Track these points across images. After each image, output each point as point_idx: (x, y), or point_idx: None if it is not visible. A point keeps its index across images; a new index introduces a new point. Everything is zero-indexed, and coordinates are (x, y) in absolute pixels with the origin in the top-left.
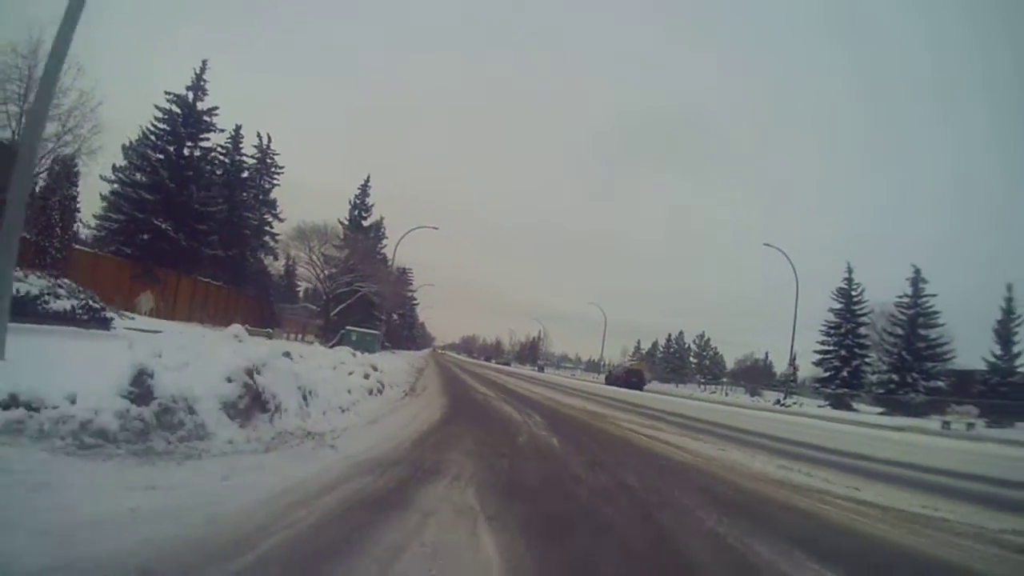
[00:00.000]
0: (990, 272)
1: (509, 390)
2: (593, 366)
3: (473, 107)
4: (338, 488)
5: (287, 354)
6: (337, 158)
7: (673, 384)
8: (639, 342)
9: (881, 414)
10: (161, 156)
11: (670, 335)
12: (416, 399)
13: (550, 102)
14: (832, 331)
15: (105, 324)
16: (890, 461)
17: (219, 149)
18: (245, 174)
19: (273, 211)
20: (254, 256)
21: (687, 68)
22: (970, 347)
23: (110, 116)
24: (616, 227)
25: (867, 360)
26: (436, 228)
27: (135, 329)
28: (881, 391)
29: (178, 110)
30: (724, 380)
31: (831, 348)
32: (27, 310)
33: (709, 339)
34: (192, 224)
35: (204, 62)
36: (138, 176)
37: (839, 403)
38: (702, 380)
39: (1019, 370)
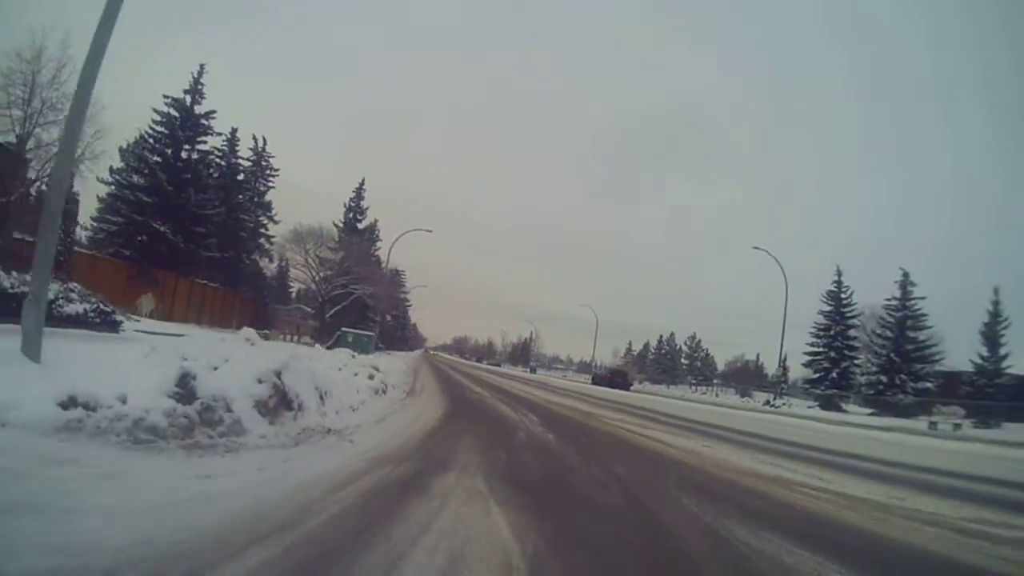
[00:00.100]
0: (981, 274)
1: (503, 390)
2: (585, 367)
3: (470, 107)
4: (364, 477)
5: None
6: (333, 159)
7: (664, 385)
8: (631, 343)
9: (870, 415)
10: (159, 159)
11: (661, 336)
12: (417, 399)
13: (549, 102)
14: (821, 333)
15: (114, 327)
16: (868, 458)
17: (216, 152)
18: (241, 176)
19: (268, 213)
20: (249, 258)
21: (687, 68)
22: (960, 349)
23: (107, 118)
24: (610, 229)
25: (856, 362)
26: (430, 231)
27: (143, 331)
28: (870, 392)
29: (176, 113)
30: (715, 381)
31: (820, 350)
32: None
33: (700, 340)
34: (190, 226)
35: (202, 66)
36: (135, 178)
37: (828, 404)
38: (693, 381)
39: (1006, 372)
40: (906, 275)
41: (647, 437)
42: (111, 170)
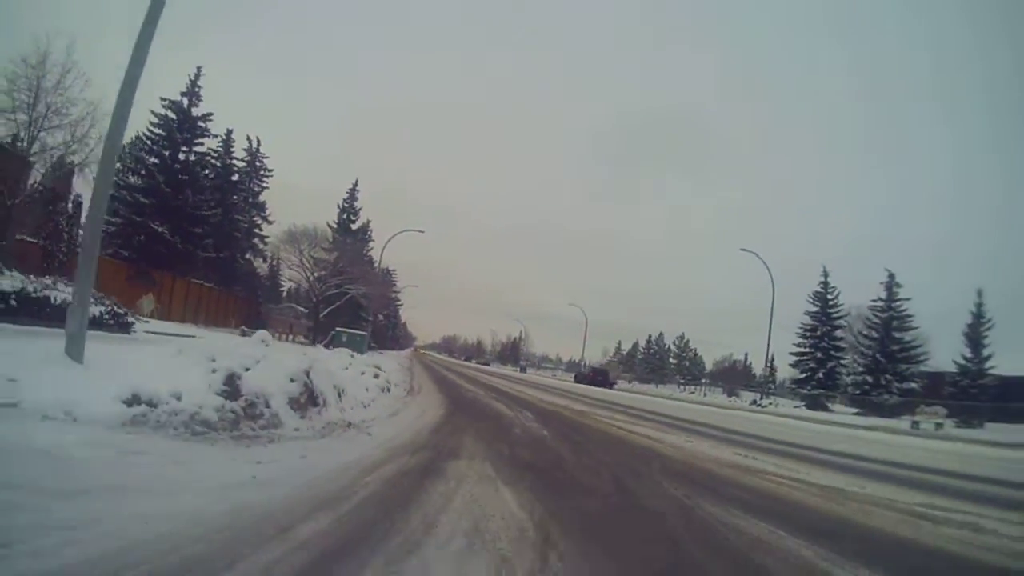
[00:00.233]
0: (968, 275)
1: (497, 389)
2: (573, 366)
3: (469, 106)
4: (387, 464)
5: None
6: (329, 157)
7: (653, 384)
8: (620, 343)
9: (856, 414)
10: (157, 161)
11: (650, 336)
12: (418, 397)
13: (548, 102)
14: (808, 334)
15: (127, 328)
16: (842, 453)
17: (211, 153)
18: (235, 177)
19: (262, 214)
20: (243, 258)
21: (686, 68)
22: (946, 349)
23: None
24: (603, 229)
25: (842, 362)
26: (422, 232)
27: (151, 332)
28: (856, 392)
29: (173, 116)
30: (704, 381)
31: (807, 350)
32: (63, 316)
33: (688, 340)
34: (187, 227)
35: (199, 69)
36: (132, 179)
37: (815, 404)
38: (681, 381)
39: (989, 372)
40: (891, 276)
41: (634, 433)
42: None
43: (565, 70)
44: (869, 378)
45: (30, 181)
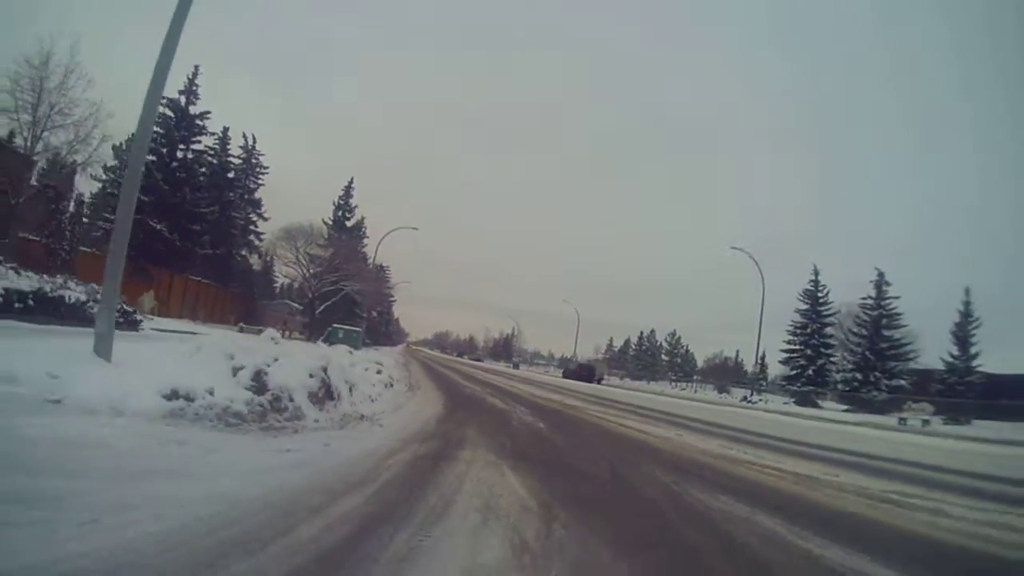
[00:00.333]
0: (959, 274)
1: (492, 385)
2: (566, 363)
3: (467, 104)
4: (403, 451)
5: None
6: (325, 156)
7: (645, 381)
8: (611, 339)
9: (845, 411)
10: (155, 158)
11: (642, 333)
12: (418, 392)
13: (548, 101)
14: (798, 331)
15: (135, 326)
16: (824, 446)
17: (208, 151)
18: (231, 175)
19: (258, 210)
20: (239, 254)
21: (684, 68)
22: (936, 347)
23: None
24: (597, 227)
25: (832, 359)
26: (415, 229)
27: (158, 330)
28: (846, 389)
29: (171, 114)
30: (695, 378)
31: (797, 348)
32: (77, 315)
33: (680, 337)
34: (185, 224)
35: (196, 67)
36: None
37: (805, 400)
38: (673, 377)
39: (977, 370)
40: (881, 275)
41: (626, 427)
42: (105, 168)
43: (564, 69)
44: (859, 375)
45: (32, 180)
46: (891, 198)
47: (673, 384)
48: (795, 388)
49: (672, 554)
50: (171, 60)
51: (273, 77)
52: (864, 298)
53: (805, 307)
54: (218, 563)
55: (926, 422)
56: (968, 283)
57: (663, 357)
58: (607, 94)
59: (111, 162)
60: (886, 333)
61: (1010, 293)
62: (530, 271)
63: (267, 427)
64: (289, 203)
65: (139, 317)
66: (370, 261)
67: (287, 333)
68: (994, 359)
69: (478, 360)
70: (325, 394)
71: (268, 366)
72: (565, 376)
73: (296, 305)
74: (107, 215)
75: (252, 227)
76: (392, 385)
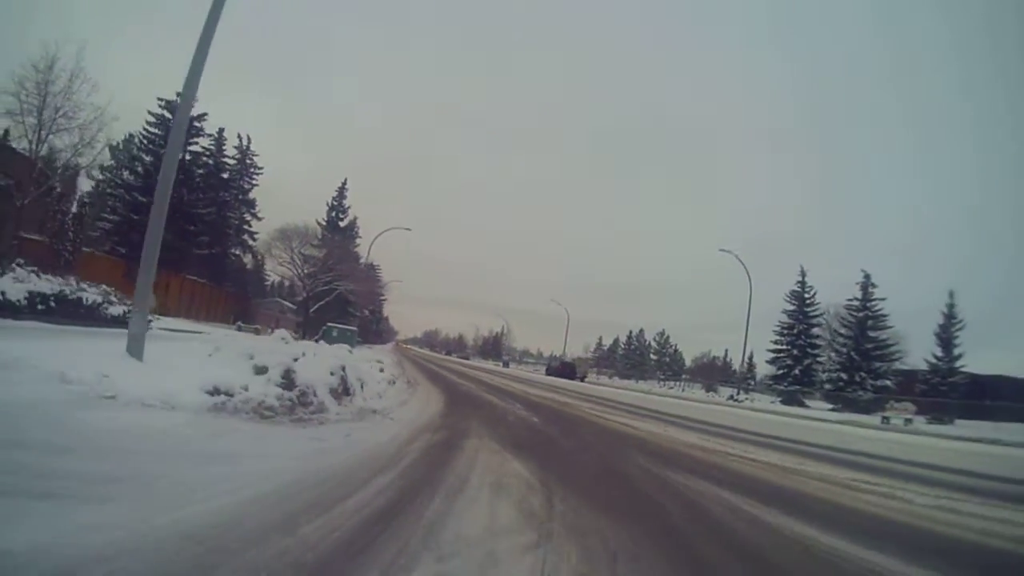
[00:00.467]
0: (949, 275)
1: (485, 383)
2: (554, 361)
3: (465, 103)
4: (417, 440)
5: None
6: (324, 155)
7: (633, 380)
8: (600, 338)
9: (831, 410)
10: (153, 159)
11: (631, 332)
12: (419, 389)
13: (546, 100)
14: (785, 332)
15: (147, 326)
16: (801, 441)
17: (205, 152)
18: (226, 175)
19: (252, 210)
20: (233, 254)
21: (681, 68)
22: (922, 348)
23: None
24: (588, 227)
25: (819, 359)
26: (408, 229)
27: (166, 330)
28: (831, 388)
29: (169, 115)
30: (683, 377)
31: (784, 348)
32: (93, 315)
33: (669, 337)
34: (183, 224)
35: None
36: (125, 175)
37: (791, 399)
38: (662, 376)
39: (960, 371)
40: (867, 277)
41: (615, 421)
42: (101, 168)
43: (564, 69)
44: (844, 375)
45: (37, 182)
46: (890, 198)
47: (661, 383)
48: (782, 387)
49: (649, 515)
50: (195, 92)
51: (272, 77)
52: (850, 299)
53: (792, 308)
54: (302, 519)
55: (908, 421)
56: (962, 285)
57: (651, 356)
58: (607, 94)
59: (107, 162)
60: (872, 334)
61: (1002, 296)
62: (522, 271)
63: (296, 419)
64: (287, 202)
65: (149, 318)
66: (363, 260)
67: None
68: (987, 361)
69: (466, 358)
70: (343, 390)
71: (295, 363)
72: (548, 373)
73: (288, 304)
74: (104, 215)
75: (246, 227)
76: (394, 383)
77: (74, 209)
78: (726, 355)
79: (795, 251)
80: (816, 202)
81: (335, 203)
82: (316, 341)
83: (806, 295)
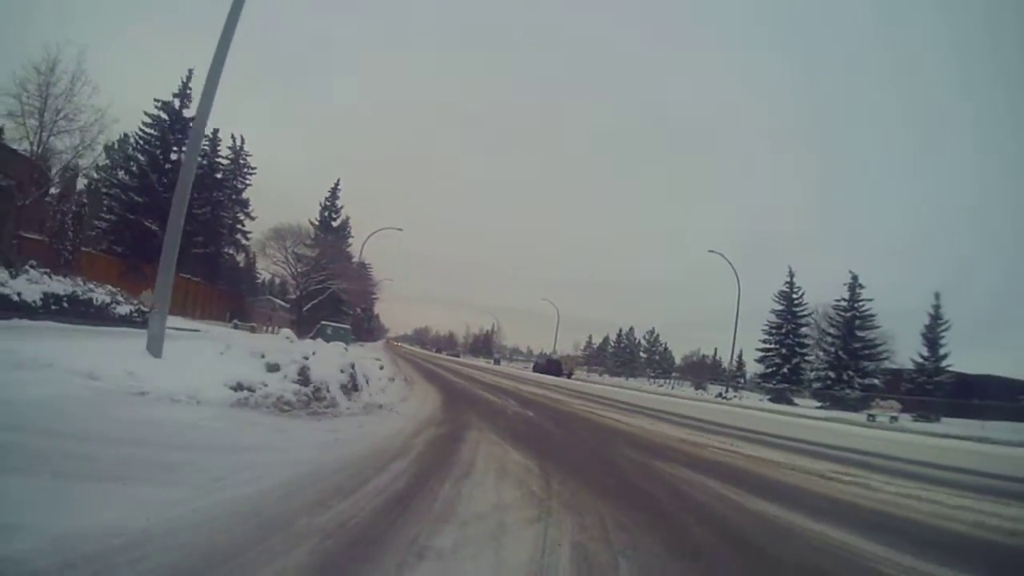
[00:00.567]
0: (938, 275)
1: (478, 380)
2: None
3: (463, 101)
4: (423, 432)
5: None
6: (323, 155)
7: (623, 377)
8: (591, 337)
9: (819, 408)
10: (149, 160)
11: (621, 330)
12: (417, 386)
13: (545, 99)
14: (773, 331)
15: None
16: (784, 437)
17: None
18: (220, 175)
19: (245, 210)
20: (227, 252)
21: (677, 68)
22: (911, 347)
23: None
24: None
25: (807, 358)
26: (400, 229)
27: (170, 328)
28: (819, 387)
29: (166, 116)
30: (673, 375)
31: (772, 347)
32: (102, 315)
33: (659, 335)
34: None
35: (190, 71)
36: (121, 175)
37: (779, 397)
38: (652, 374)
39: (946, 370)
40: (855, 277)
41: (604, 417)
42: (96, 167)
43: (564, 68)
44: (832, 374)
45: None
46: (889, 198)
47: (651, 381)
48: (770, 386)
49: (637, 497)
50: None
51: (272, 77)
52: (838, 300)
53: (780, 307)
54: (326, 502)
55: (894, 419)
56: (961, 285)
57: (641, 354)
58: (607, 94)
59: (103, 161)
60: (859, 334)
61: (1002, 296)
62: (516, 270)
63: (312, 413)
64: (286, 201)
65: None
66: (355, 259)
67: (274, 329)
68: (987, 361)
69: (456, 356)
70: (352, 386)
71: (307, 360)
72: (535, 370)
73: (280, 302)
74: (102, 215)
75: (239, 226)
76: (394, 379)
77: (73, 209)
78: (715, 354)
79: (795, 251)
80: (816, 202)
81: (328, 203)
82: (313, 339)
83: (794, 295)
